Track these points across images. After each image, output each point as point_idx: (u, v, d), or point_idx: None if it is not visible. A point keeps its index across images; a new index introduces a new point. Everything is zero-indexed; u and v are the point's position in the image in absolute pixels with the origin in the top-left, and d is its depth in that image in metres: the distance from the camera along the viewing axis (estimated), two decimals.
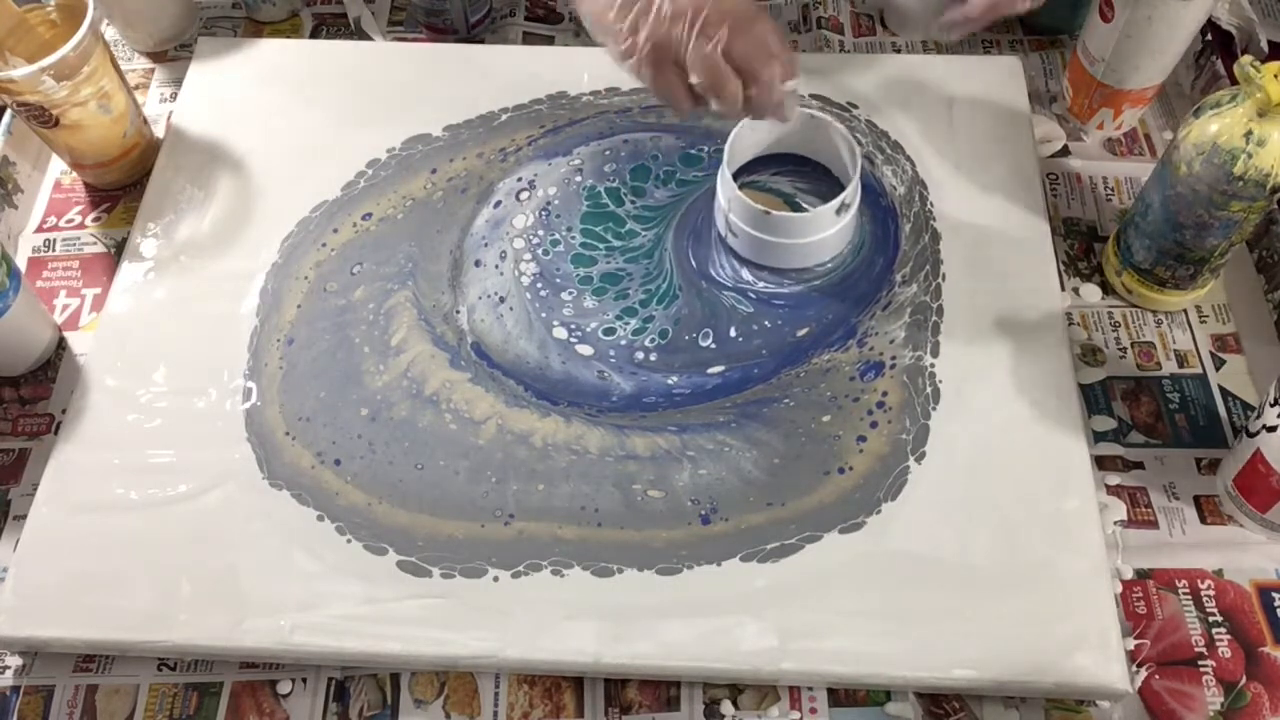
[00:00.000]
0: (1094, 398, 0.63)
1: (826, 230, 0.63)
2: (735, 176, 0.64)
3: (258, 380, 0.63)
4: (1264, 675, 0.54)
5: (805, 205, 0.67)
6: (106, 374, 0.63)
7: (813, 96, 0.73)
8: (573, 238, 0.68)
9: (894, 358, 0.62)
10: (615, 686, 0.55)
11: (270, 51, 0.77)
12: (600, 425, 0.61)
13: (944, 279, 0.65)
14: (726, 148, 0.64)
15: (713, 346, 0.63)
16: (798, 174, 0.69)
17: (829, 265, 0.65)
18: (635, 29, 0.54)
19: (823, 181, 0.68)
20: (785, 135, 0.68)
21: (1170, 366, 0.64)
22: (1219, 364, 0.64)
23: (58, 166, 0.75)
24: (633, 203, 0.69)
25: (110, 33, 0.81)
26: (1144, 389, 0.63)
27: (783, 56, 0.56)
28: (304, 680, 0.56)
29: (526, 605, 0.55)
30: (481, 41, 0.81)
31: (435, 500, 0.58)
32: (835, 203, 0.62)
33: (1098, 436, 0.62)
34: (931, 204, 0.68)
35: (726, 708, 0.54)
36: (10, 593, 0.56)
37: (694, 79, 0.55)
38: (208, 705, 0.55)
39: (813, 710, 0.54)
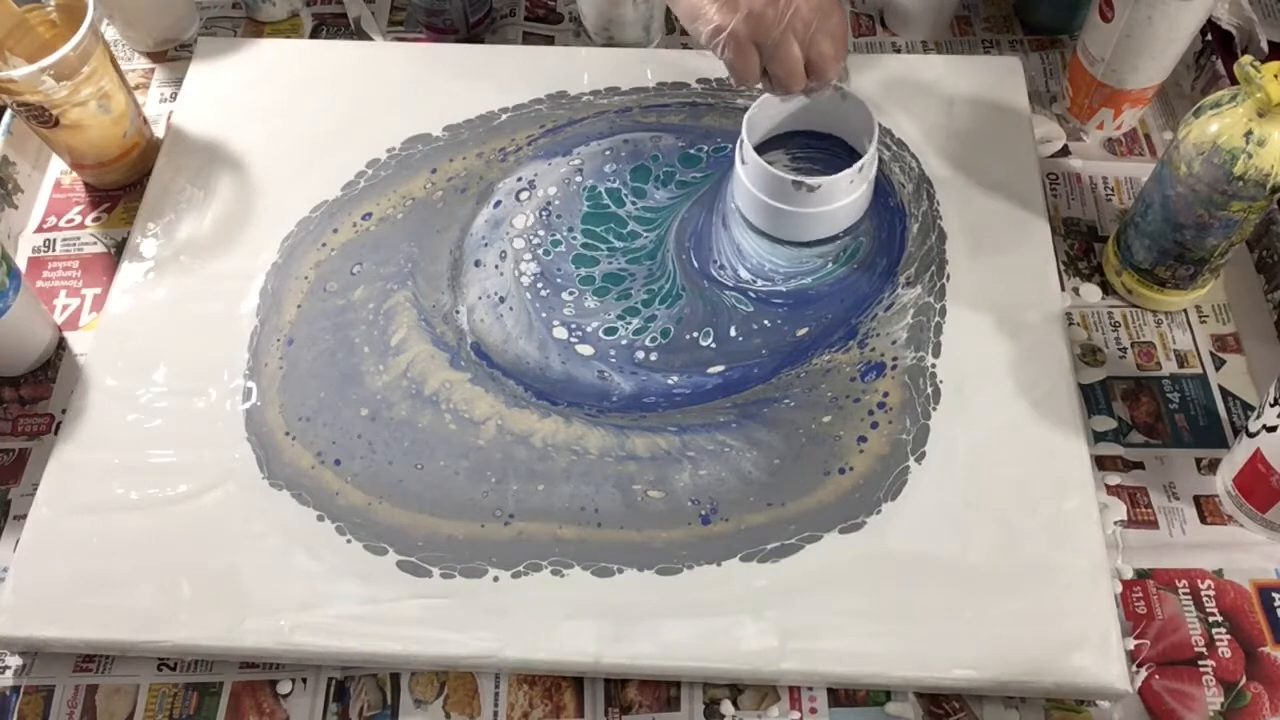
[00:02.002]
0: (1094, 398, 0.63)
1: (847, 196, 0.64)
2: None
3: (258, 380, 0.63)
4: (1264, 675, 0.54)
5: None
6: (106, 374, 0.63)
7: None
8: (574, 238, 0.68)
9: (895, 358, 0.62)
10: (615, 686, 0.55)
11: (270, 51, 0.77)
12: (600, 426, 0.61)
13: (948, 279, 0.65)
14: (745, 122, 0.64)
15: (713, 346, 0.63)
16: (804, 154, 0.70)
17: (843, 239, 0.66)
18: (731, 10, 0.56)
19: (829, 162, 0.69)
20: (800, 111, 0.68)
21: (1170, 366, 0.64)
22: (1219, 364, 0.64)
23: (58, 166, 0.75)
24: (634, 204, 0.69)
25: (110, 33, 0.81)
26: (1144, 389, 0.63)
27: (844, 56, 0.60)
28: (304, 680, 0.56)
29: (526, 605, 0.55)
30: (481, 41, 0.81)
31: (435, 500, 0.58)
32: (856, 166, 0.62)
33: (1098, 436, 0.62)
34: (939, 202, 0.68)
35: (726, 708, 0.54)
36: (10, 593, 0.56)
37: (771, 70, 0.59)
38: (208, 705, 0.55)
39: (813, 710, 0.54)
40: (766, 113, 0.67)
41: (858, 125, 0.66)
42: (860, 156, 0.64)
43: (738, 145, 0.65)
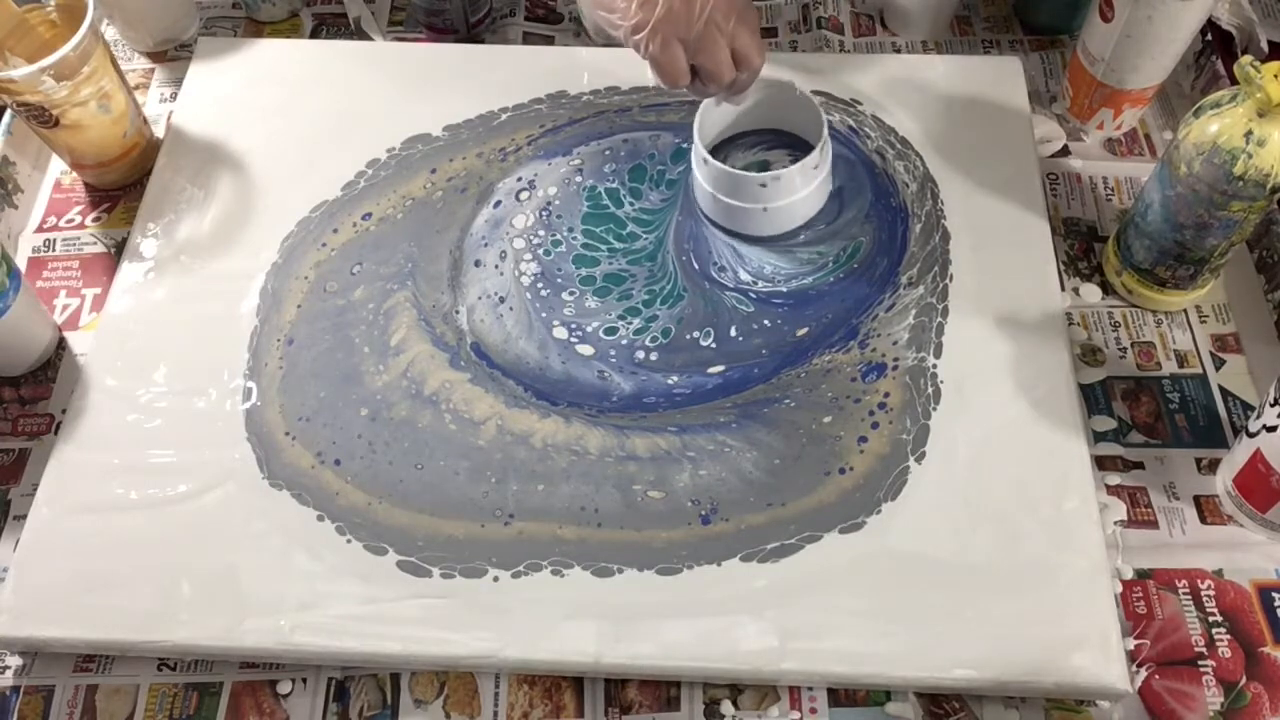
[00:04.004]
0: (1094, 398, 0.63)
1: (802, 189, 0.65)
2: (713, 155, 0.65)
3: (258, 380, 0.63)
4: (1264, 675, 0.54)
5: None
6: (106, 374, 0.63)
7: (815, 93, 0.72)
8: (574, 238, 0.68)
9: (896, 359, 0.62)
10: (615, 686, 0.55)
11: (270, 51, 0.77)
12: (600, 426, 0.60)
13: (951, 280, 0.65)
14: (695, 126, 0.65)
15: (713, 346, 0.63)
16: (801, 154, 0.70)
17: (803, 236, 0.66)
18: (650, 6, 0.56)
19: (793, 156, 0.69)
20: (752, 109, 0.68)
21: (1170, 366, 0.64)
22: (1219, 364, 0.64)
23: (58, 166, 0.74)
24: (631, 204, 0.69)
25: (110, 33, 0.81)
26: (1144, 389, 0.63)
27: (763, 45, 0.60)
28: (304, 680, 0.56)
29: (526, 605, 0.55)
30: (481, 41, 0.81)
31: (435, 500, 0.58)
32: (809, 159, 0.63)
33: (1098, 436, 0.62)
34: (943, 201, 0.68)
35: (726, 708, 0.54)
36: (10, 593, 0.56)
37: (698, 63, 0.58)
38: (208, 705, 0.55)
39: (813, 710, 0.54)
40: (717, 114, 0.68)
41: (811, 117, 0.66)
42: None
43: (692, 148, 0.66)
